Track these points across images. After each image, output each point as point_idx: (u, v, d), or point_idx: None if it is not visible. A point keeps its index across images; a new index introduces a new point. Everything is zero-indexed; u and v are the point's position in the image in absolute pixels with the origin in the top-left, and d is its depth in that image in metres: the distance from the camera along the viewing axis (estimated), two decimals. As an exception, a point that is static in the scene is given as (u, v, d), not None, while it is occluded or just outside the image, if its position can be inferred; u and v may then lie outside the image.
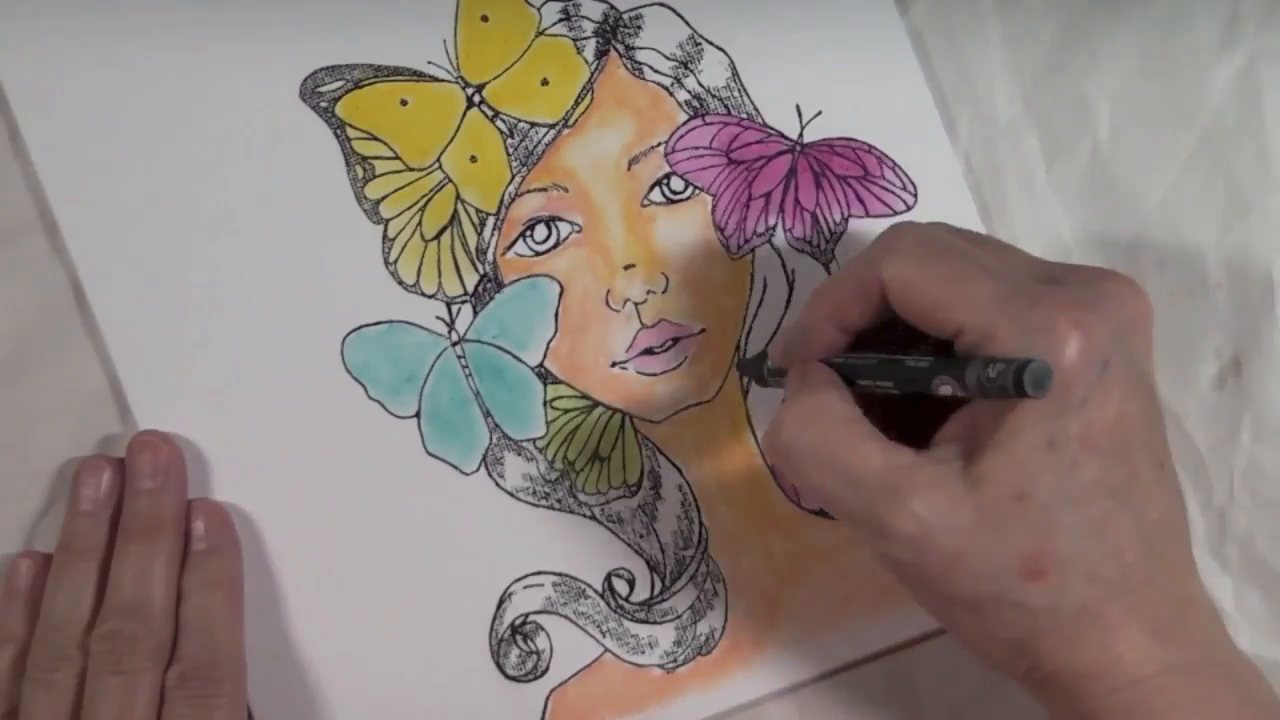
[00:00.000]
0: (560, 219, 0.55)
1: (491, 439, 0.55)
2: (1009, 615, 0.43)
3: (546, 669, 0.55)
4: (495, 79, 0.54)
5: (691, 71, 0.55)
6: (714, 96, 0.55)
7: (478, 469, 0.55)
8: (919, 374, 0.44)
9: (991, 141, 0.55)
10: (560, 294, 0.55)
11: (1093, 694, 0.43)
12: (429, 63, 0.54)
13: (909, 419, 0.47)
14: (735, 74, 0.55)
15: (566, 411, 0.55)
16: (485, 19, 0.54)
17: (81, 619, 0.52)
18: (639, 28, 0.55)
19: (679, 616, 0.56)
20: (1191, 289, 0.56)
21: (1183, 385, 0.55)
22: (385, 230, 0.54)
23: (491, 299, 0.55)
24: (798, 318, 0.49)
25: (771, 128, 0.55)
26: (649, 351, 0.55)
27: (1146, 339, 0.45)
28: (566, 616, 0.55)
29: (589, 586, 0.55)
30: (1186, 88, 0.55)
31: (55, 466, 0.55)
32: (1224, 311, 0.55)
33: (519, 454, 0.55)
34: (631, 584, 0.56)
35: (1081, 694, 0.43)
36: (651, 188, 0.55)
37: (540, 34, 0.54)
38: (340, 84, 0.54)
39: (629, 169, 0.55)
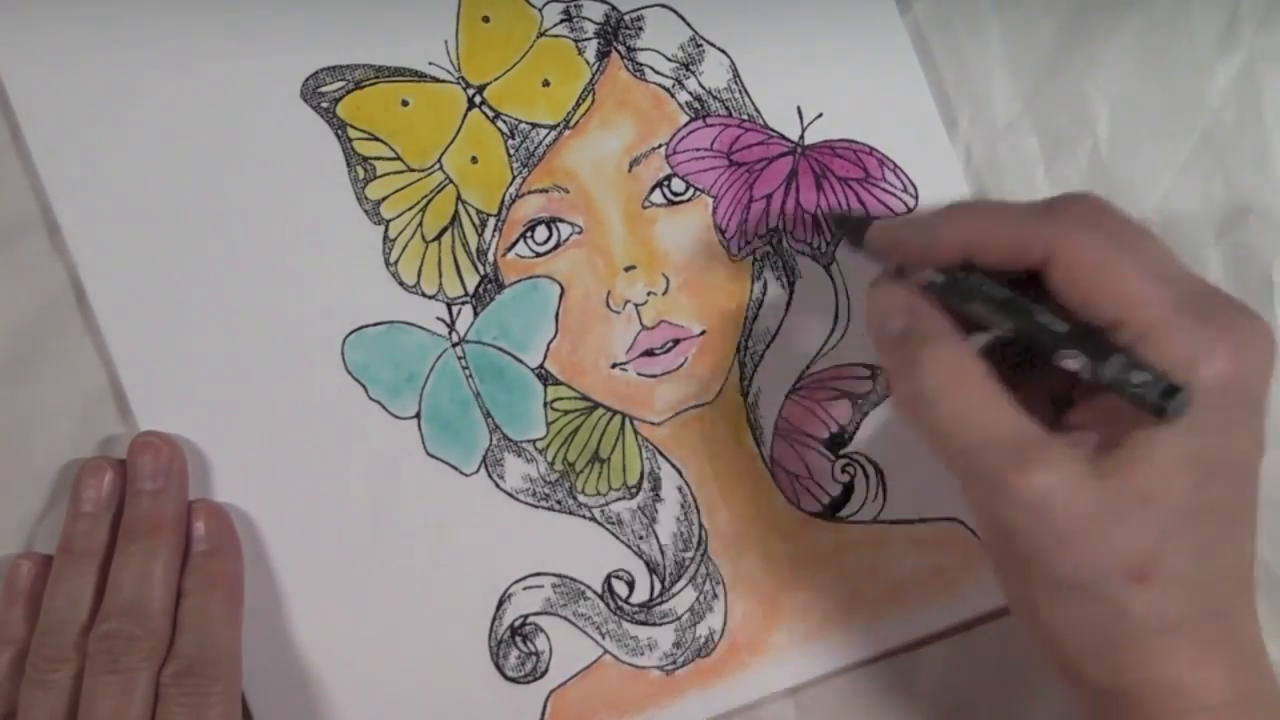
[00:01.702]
0: (561, 220, 0.55)
1: (492, 440, 0.55)
2: (1102, 611, 0.43)
3: (546, 670, 0.55)
4: (496, 80, 0.54)
5: (693, 73, 0.55)
6: (715, 98, 0.55)
7: (478, 470, 0.55)
8: (1048, 335, 0.43)
9: (991, 141, 0.55)
10: (561, 295, 0.55)
11: (1164, 712, 0.43)
12: (430, 63, 0.54)
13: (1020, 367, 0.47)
14: (736, 75, 0.55)
15: (567, 413, 0.55)
16: (487, 20, 0.54)
17: (80, 620, 0.52)
18: (640, 29, 0.55)
19: (678, 618, 0.56)
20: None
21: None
22: (386, 231, 0.54)
23: (492, 300, 0.55)
24: (925, 220, 0.48)
25: (772, 129, 0.55)
26: (649, 353, 0.55)
27: (1270, 382, 0.45)
28: (566, 618, 0.55)
29: (588, 588, 0.55)
30: (1186, 88, 0.55)
31: (56, 467, 0.55)
32: (1224, 312, 0.55)
33: (519, 455, 0.55)
34: (631, 585, 0.56)
35: (1152, 710, 0.43)
36: (652, 189, 0.55)
37: (541, 35, 0.54)
38: (341, 84, 0.54)
39: (630, 170, 0.55)
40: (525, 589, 0.55)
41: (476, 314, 0.55)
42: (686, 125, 0.55)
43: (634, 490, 0.55)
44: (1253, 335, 0.43)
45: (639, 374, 0.55)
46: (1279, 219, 0.55)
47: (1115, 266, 0.43)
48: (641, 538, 0.55)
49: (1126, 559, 0.42)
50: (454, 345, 0.55)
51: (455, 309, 0.55)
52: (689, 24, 0.55)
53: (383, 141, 0.54)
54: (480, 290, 0.55)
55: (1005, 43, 0.55)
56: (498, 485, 0.55)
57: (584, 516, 0.55)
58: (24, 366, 0.55)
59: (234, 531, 0.54)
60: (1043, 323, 0.44)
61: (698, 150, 0.55)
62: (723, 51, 0.55)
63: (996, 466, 0.43)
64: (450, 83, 0.54)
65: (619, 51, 0.55)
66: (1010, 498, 0.42)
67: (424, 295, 0.55)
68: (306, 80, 0.54)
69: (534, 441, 0.55)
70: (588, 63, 0.55)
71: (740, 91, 0.55)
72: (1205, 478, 0.42)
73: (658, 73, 0.55)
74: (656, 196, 0.55)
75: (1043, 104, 0.55)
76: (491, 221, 0.55)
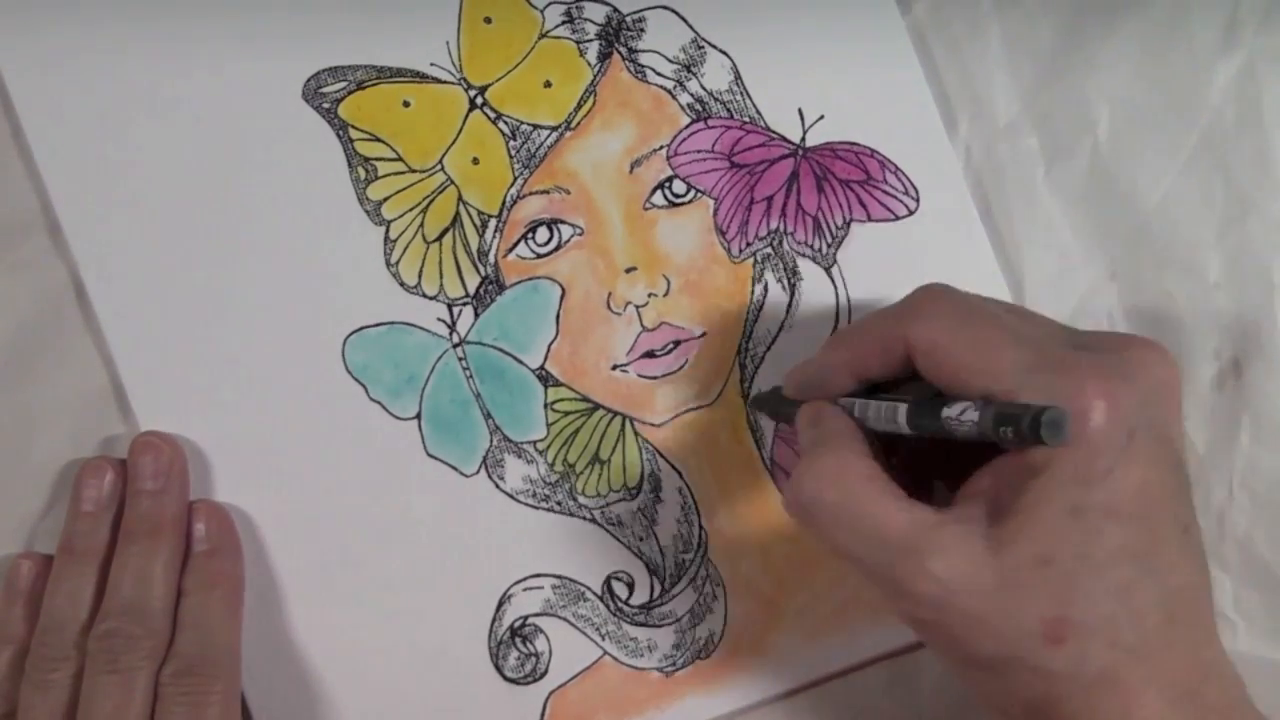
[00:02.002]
0: (562, 221, 0.55)
1: (492, 441, 0.55)
2: (1028, 678, 0.43)
3: (545, 671, 0.55)
4: (498, 81, 0.54)
5: (694, 74, 0.55)
6: (716, 100, 0.55)
7: (478, 471, 0.55)
8: (934, 413, 0.44)
9: (991, 142, 0.55)
10: (561, 296, 0.55)
11: None
12: (432, 64, 0.54)
13: (923, 467, 0.47)
14: (738, 77, 0.55)
15: (567, 414, 0.55)
16: (488, 21, 0.54)
17: (80, 620, 0.52)
18: (642, 30, 0.55)
19: (678, 620, 0.56)
20: (1191, 289, 0.56)
21: (1182, 386, 0.55)
22: (387, 231, 0.54)
23: (493, 301, 0.55)
24: (815, 359, 0.50)
25: (774, 131, 0.55)
26: (650, 354, 0.55)
27: (1174, 405, 0.45)
28: (566, 619, 0.55)
29: (588, 589, 0.55)
30: (1186, 88, 0.55)
31: (56, 467, 0.55)
32: (1224, 312, 0.55)
33: (519, 456, 0.55)
34: (631, 587, 0.55)
35: None
36: (653, 191, 0.55)
37: (543, 36, 0.55)
38: (343, 85, 0.54)
39: (631, 172, 0.55)
40: (525, 590, 0.55)
41: (477, 315, 0.55)
42: (688, 127, 0.55)
43: (634, 491, 0.55)
44: (1133, 366, 0.44)
45: (639, 375, 0.55)
46: (1279, 219, 0.55)
47: (960, 342, 0.44)
48: (641, 539, 0.55)
49: (1039, 625, 0.42)
50: (455, 346, 0.55)
51: (456, 310, 0.55)
52: (690, 26, 0.55)
53: (384, 142, 0.54)
54: (481, 291, 0.55)
55: (1005, 43, 0.55)
56: (498, 486, 0.55)
57: (584, 518, 0.55)
58: (24, 366, 0.54)
59: (234, 532, 0.54)
60: (926, 405, 0.44)
61: (699, 152, 0.55)
62: (724, 53, 0.55)
63: (890, 568, 0.43)
64: (452, 84, 0.54)
65: (620, 53, 0.55)
66: (912, 596, 0.43)
67: (425, 296, 0.55)
68: (308, 81, 0.54)
69: (534, 443, 0.55)
70: (589, 64, 0.55)
71: (741, 93, 0.55)
72: (1101, 523, 0.42)
73: (659, 74, 0.55)
74: (658, 198, 0.55)
75: (1043, 104, 0.55)
76: (492, 222, 0.55)
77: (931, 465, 0.48)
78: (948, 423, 0.43)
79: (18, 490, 0.55)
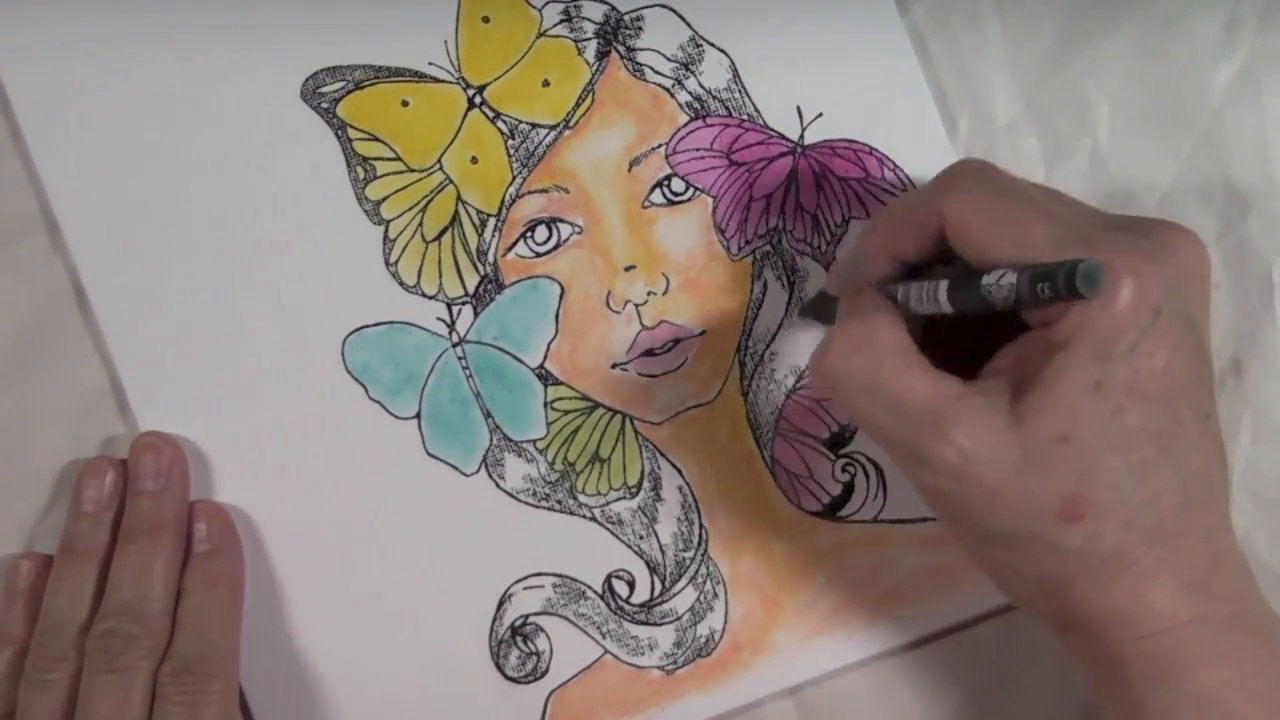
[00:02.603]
0: (561, 220, 0.55)
1: (492, 440, 0.55)
2: (1042, 554, 0.43)
3: (546, 670, 0.55)
4: (496, 80, 0.54)
5: (693, 73, 0.55)
6: (715, 98, 0.55)
7: (478, 470, 0.55)
8: (973, 284, 0.44)
9: (991, 141, 0.55)
10: (561, 295, 0.55)
11: (1120, 639, 0.43)
12: (430, 64, 0.54)
13: (961, 354, 0.47)
14: (736, 75, 0.55)
15: (567, 413, 0.55)
16: (486, 20, 0.54)
17: (80, 620, 0.52)
18: (640, 29, 0.55)
19: (679, 618, 0.56)
20: (1191, 289, 0.56)
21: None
22: (386, 231, 0.54)
23: (492, 300, 0.55)
24: (852, 248, 0.50)
25: (772, 129, 0.55)
26: (649, 353, 0.55)
27: (1203, 292, 0.45)
28: (566, 618, 0.55)
29: (589, 588, 0.55)
30: (1186, 88, 0.55)
31: (56, 467, 0.55)
32: (1223, 312, 0.55)
33: (519, 455, 0.55)
34: (631, 585, 0.56)
35: (1109, 638, 0.43)
36: (652, 189, 0.55)
37: (541, 35, 0.54)
38: (341, 85, 0.54)
39: (630, 170, 0.55)
40: (526, 589, 0.55)
41: (477, 314, 0.55)
42: (686, 125, 0.55)
43: (634, 490, 0.55)
44: (1164, 248, 0.44)
45: (639, 374, 0.55)
46: (1279, 219, 0.55)
47: (992, 216, 0.44)
48: (642, 537, 0.55)
49: (1056, 501, 0.42)
50: (454, 345, 0.55)
51: (455, 309, 0.55)
52: (689, 24, 0.55)
53: (383, 142, 0.54)
54: (480, 290, 0.55)
55: (1005, 43, 0.55)
56: (498, 485, 0.55)
57: (584, 516, 0.55)
58: (24, 366, 0.55)
59: (235, 532, 0.54)
60: (964, 276, 0.44)
61: (697, 150, 0.55)
62: (722, 51, 0.55)
63: (913, 436, 0.43)
64: (450, 83, 0.54)
65: (619, 51, 0.55)
66: (933, 465, 0.43)
67: (424, 295, 0.55)
68: (306, 81, 0.54)
69: (534, 441, 0.55)
70: (587, 63, 0.55)
71: (740, 91, 0.55)
72: (1125, 402, 0.42)
73: (657, 73, 0.55)
74: (656, 196, 0.55)
75: (1043, 104, 0.55)
76: (491, 221, 0.55)
77: (968, 363, 0.47)
78: (987, 289, 0.43)
79: (18, 490, 0.55)
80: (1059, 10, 0.55)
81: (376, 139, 0.54)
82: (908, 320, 0.46)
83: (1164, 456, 0.43)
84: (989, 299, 0.43)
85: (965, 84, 0.55)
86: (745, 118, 0.55)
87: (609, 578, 0.56)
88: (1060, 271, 0.40)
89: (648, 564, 0.56)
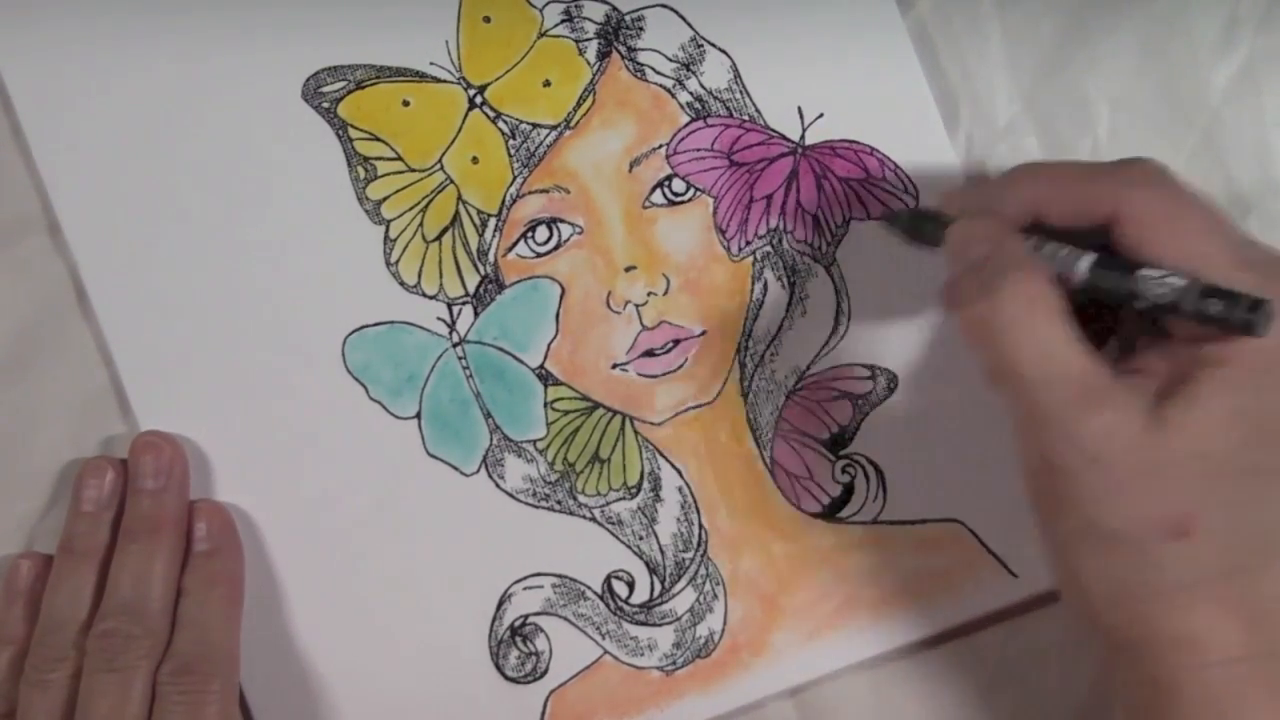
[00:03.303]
0: (561, 220, 0.55)
1: (492, 440, 0.55)
2: (1133, 562, 0.43)
3: (546, 670, 0.55)
4: (497, 80, 0.54)
5: (693, 73, 0.55)
6: (716, 98, 0.55)
7: (478, 470, 0.55)
8: (1125, 270, 0.44)
9: (991, 141, 0.55)
10: (561, 295, 0.55)
11: (1181, 665, 0.43)
12: (431, 63, 0.54)
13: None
14: (737, 76, 0.55)
15: (567, 413, 0.55)
16: (487, 20, 0.54)
17: (80, 619, 0.52)
18: (641, 29, 0.55)
19: (678, 619, 0.56)
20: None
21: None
22: (387, 231, 0.54)
23: (492, 300, 0.55)
24: (994, 181, 0.50)
25: (773, 130, 0.55)
26: (650, 353, 0.55)
27: None
28: (566, 618, 0.55)
29: (588, 588, 0.55)
30: (1186, 88, 0.55)
31: (56, 466, 0.55)
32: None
33: (519, 455, 0.55)
34: (631, 586, 0.56)
35: (1169, 663, 0.43)
36: (653, 189, 0.55)
37: (542, 35, 0.54)
38: (342, 84, 0.54)
39: (630, 170, 0.55)
40: (525, 589, 0.55)
41: (477, 314, 0.55)
42: (687, 125, 0.55)
43: (634, 490, 0.55)
44: None
45: (639, 374, 0.55)
46: (1279, 219, 0.55)
47: (1180, 223, 0.45)
48: (641, 538, 0.55)
49: (1169, 512, 0.42)
50: (454, 345, 0.55)
51: (456, 309, 0.55)
52: (690, 24, 0.55)
53: (384, 142, 0.54)
54: (481, 290, 0.55)
55: (1006, 42, 0.55)
56: (498, 485, 0.55)
57: (584, 517, 0.55)
58: (24, 366, 0.55)
59: (235, 531, 0.54)
60: (1112, 259, 0.45)
61: (698, 150, 0.55)
62: (724, 52, 0.55)
63: (1061, 403, 0.43)
64: (451, 83, 0.54)
65: (620, 52, 0.55)
66: (1069, 438, 0.43)
67: (424, 295, 0.55)
68: (307, 80, 0.54)
69: (534, 442, 0.55)
70: (588, 63, 0.55)
71: (741, 92, 0.55)
72: (1254, 435, 0.43)
73: (658, 73, 0.55)
74: (657, 197, 0.55)
75: (1043, 104, 0.55)
76: (492, 222, 0.55)
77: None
78: (1142, 281, 0.44)
79: (18, 490, 0.55)
80: (1059, 10, 0.55)
81: (377, 139, 0.54)
82: None
83: (1270, 497, 0.43)
84: (1137, 290, 0.44)
85: (965, 84, 0.55)
86: (746, 118, 0.55)
87: (608, 578, 0.56)
88: (1243, 301, 0.41)
89: (647, 564, 0.56)
